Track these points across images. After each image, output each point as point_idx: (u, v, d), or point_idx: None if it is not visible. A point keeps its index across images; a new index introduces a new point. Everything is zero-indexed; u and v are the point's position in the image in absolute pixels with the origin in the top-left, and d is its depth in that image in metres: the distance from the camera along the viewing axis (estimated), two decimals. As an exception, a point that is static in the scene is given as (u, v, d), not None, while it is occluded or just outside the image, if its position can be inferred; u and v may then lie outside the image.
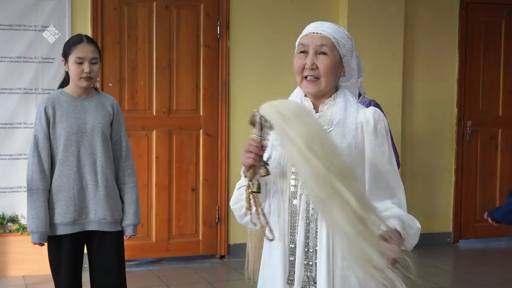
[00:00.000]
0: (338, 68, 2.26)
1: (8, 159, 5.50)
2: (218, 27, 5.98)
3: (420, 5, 6.56)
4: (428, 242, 6.68)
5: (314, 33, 2.25)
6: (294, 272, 2.26)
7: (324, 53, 2.23)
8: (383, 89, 6.15)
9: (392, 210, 2.23)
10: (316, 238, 2.23)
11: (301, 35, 2.30)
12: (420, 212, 6.56)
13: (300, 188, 2.25)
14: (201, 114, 6.00)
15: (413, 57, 6.57)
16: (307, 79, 2.26)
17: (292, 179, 2.28)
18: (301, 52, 2.27)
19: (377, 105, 4.07)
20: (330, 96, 2.29)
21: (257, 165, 2.15)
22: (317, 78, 2.24)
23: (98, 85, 5.62)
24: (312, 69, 2.24)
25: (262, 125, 2.15)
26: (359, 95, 3.92)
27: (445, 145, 6.74)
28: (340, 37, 2.25)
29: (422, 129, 6.63)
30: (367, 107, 2.36)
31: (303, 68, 2.26)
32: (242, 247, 4.01)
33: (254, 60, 6.07)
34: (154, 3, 5.83)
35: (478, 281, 5.64)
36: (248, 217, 2.25)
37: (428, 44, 6.61)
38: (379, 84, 6.08)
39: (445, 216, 6.78)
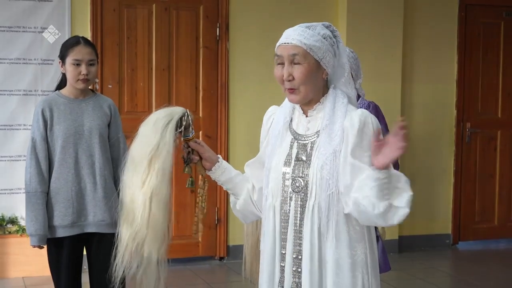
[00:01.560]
0: (316, 73, 2.23)
1: (8, 160, 5.50)
2: (218, 29, 5.99)
3: (419, 7, 6.56)
4: (427, 244, 6.69)
5: (285, 43, 2.23)
6: (284, 278, 2.28)
7: (297, 63, 2.21)
8: (382, 91, 6.15)
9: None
10: (302, 245, 2.24)
11: (276, 46, 2.28)
12: (419, 214, 6.57)
13: (291, 194, 2.26)
14: (200, 115, 6.00)
15: (412, 59, 6.57)
16: (288, 89, 2.25)
17: (283, 185, 2.29)
18: (279, 63, 2.26)
19: (376, 107, 4.07)
20: (319, 101, 2.29)
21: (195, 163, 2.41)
22: (296, 88, 2.23)
23: (97, 86, 5.63)
24: (289, 80, 2.22)
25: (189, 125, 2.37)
26: (358, 96, 3.93)
27: (444, 146, 6.75)
28: (312, 41, 2.20)
29: (421, 131, 6.64)
30: (366, 109, 2.36)
31: (283, 80, 2.24)
32: (241, 249, 4.02)
33: (253, 62, 6.08)
34: (154, 5, 5.84)
35: (477, 282, 5.64)
36: (235, 212, 2.51)
37: (427, 46, 6.62)
38: (378, 86, 6.09)
39: (444, 217, 6.78)
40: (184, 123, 2.31)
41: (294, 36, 2.22)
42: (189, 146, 2.38)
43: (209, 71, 6.00)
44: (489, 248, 6.88)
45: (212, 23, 5.99)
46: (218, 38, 6.00)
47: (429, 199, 6.68)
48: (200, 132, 6.01)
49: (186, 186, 2.45)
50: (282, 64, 2.24)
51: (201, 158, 2.41)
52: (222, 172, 2.43)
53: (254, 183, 2.43)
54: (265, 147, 2.41)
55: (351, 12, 6.17)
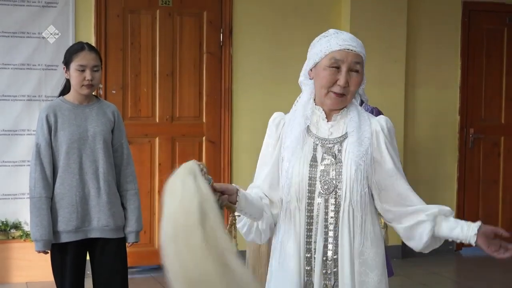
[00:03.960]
0: (361, 84, 2.31)
1: (12, 165, 5.51)
2: (221, 34, 6.00)
3: (422, 12, 6.57)
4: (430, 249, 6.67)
5: (349, 50, 2.23)
6: (311, 282, 2.27)
7: (357, 71, 2.25)
8: (386, 96, 6.15)
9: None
10: (336, 246, 2.25)
11: (332, 48, 2.24)
12: (423, 219, 6.55)
13: (318, 196, 2.25)
14: (204, 121, 6.01)
15: (416, 65, 6.58)
16: (336, 94, 2.25)
17: (309, 188, 2.27)
18: (333, 66, 2.24)
19: (379, 113, 4.08)
20: (345, 106, 2.33)
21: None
22: (345, 95, 2.26)
23: (101, 92, 5.64)
24: (344, 87, 2.24)
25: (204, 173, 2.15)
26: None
27: (448, 152, 6.74)
28: (364, 52, 2.28)
29: (425, 137, 6.64)
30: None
31: (334, 83, 2.24)
32: (244, 254, 4.01)
33: (256, 67, 6.08)
34: (157, 11, 5.85)
35: (480, 288, 5.64)
36: (252, 235, 2.35)
37: (431, 51, 6.62)
38: (381, 92, 6.09)
39: (448, 223, 6.76)
40: (204, 175, 2.13)
41: (356, 45, 2.25)
42: (215, 190, 2.13)
43: (213, 77, 6.01)
44: (492, 254, 6.86)
45: (216, 28, 6.00)
46: (221, 43, 6.01)
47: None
48: (204, 138, 6.02)
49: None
50: (336, 68, 2.23)
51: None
52: (245, 199, 2.25)
53: (273, 197, 2.36)
54: (277, 153, 2.35)
55: (354, 18, 6.18)
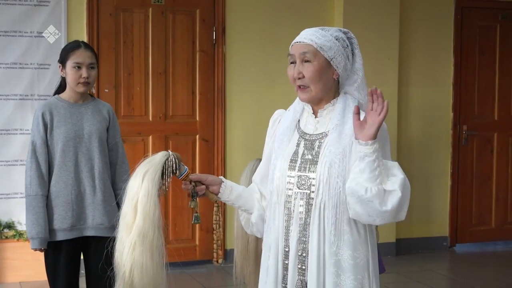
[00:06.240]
0: (326, 72, 2.27)
1: (5, 165, 5.49)
2: (214, 32, 5.99)
3: (415, 10, 6.58)
4: (424, 246, 6.69)
5: (297, 42, 2.29)
6: (288, 276, 2.28)
7: (307, 61, 2.26)
8: (379, 93, 6.15)
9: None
10: (308, 242, 2.24)
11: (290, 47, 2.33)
12: (417, 217, 6.57)
13: (296, 192, 2.26)
14: (197, 119, 6.00)
15: (409, 62, 6.58)
16: (297, 87, 2.30)
17: (288, 182, 2.29)
18: (291, 62, 2.31)
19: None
20: (330, 102, 2.32)
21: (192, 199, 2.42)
22: (306, 86, 2.27)
23: (94, 90, 5.63)
24: (299, 78, 2.27)
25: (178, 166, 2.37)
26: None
27: (441, 149, 6.76)
28: (324, 41, 2.25)
29: (418, 134, 6.65)
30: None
31: (295, 78, 2.29)
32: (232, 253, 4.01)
33: (250, 65, 6.08)
34: (150, 9, 5.84)
35: (474, 285, 5.64)
36: (250, 228, 2.49)
37: (424, 49, 6.63)
38: (374, 89, 6.08)
39: (442, 220, 6.78)
40: (170, 167, 2.33)
41: (306, 35, 2.28)
42: (190, 181, 2.38)
43: (206, 75, 6.01)
44: (486, 250, 6.88)
45: (209, 27, 5.99)
46: (214, 41, 6.00)
47: (426, 202, 6.68)
48: (197, 136, 6.01)
49: (192, 222, 2.50)
50: (295, 63, 2.29)
51: (206, 187, 2.42)
52: (230, 191, 2.43)
53: (263, 191, 2.43)
54: (270, 148, 2.41)
55: (347, 16, 6.18)
